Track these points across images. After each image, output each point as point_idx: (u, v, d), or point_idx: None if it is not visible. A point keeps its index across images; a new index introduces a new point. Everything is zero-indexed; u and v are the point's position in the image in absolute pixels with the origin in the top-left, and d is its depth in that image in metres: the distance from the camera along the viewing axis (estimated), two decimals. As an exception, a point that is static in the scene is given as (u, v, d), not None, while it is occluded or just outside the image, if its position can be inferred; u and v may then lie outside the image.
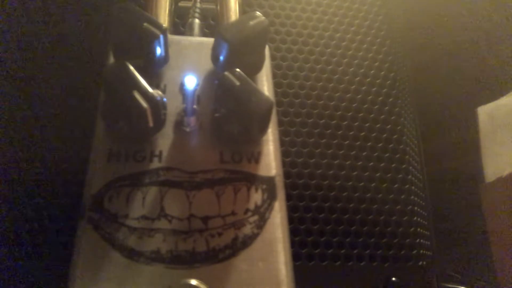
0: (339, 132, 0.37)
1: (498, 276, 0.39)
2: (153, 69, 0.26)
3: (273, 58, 0.38)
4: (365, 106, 0.39)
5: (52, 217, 0.30)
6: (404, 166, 0.38)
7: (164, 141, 0.24)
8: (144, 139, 0.24)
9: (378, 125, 0.38)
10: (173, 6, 0.31)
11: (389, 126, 0.39)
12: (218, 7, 0.31)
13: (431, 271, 0.37)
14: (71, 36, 0.35)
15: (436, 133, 0.50)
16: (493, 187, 0.41)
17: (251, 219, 0.23)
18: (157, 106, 0.22)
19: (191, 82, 0.23)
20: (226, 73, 0.23)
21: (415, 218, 0.37)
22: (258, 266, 0.22)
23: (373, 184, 0.36)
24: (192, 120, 0.25)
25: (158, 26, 0.24)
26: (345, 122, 0.38)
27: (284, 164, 0.32)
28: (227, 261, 0.22)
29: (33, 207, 0.30)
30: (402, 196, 0.37)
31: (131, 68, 0.22)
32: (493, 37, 0.48)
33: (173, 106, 0.25)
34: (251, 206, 0.24)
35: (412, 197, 0.37)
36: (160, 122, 0.23)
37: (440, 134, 0.50)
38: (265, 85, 0.28)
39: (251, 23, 0.25)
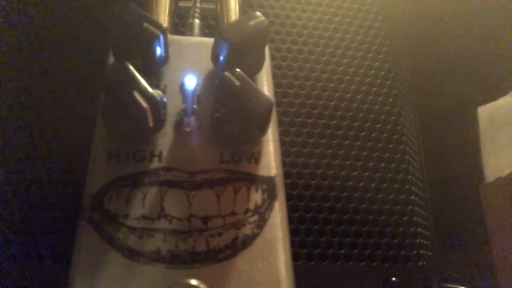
0: (339, 132, 0.37)
1: (498, 276, 0.39)
2: (153, 69, 0.26)
3: (273, 58, 0.38)
4: (365, 106, 0.39)
5: (52, 217, 0.30)
6: (404, 166, 0.38)
7: (164, 141, 0.24)
8: (144, 139, 0.24)
9: (378, 125, 0.38)
10: (173, 6, 0.31)
11: (389, 126, 0.39)
12: (218, 7, 0.31)
13: (431, 271, 0.37)
14: (71, 36, 0.35)
15: (436, 133, 0.50)
16: (493, 187, 0.41)
17: (251, 219, 0.23)
18: (157, 106, 0.22)
19: (191, 82, 0.23)
20: (226, 73, 0.23)
21: (415, 218, 0.37)
22: (258, 266, 0.22)
23: (373, 184, 0.36)
24: (192, 120, 0.25)
25: (158, 26, 0.24)
26: (345, 122, 0.38)
27: (284, 164, 0.32)
28: (227, 261, 0.22)
29: (33, 206, 0.30)
30: (402, 196, 0.37)
31: (131, 68, 0.22)
32: (493, 37, 0.48)
33: (173, 106, 0.25)
34: (251, 206, 0.24)
35: (412, 197, 0.37)
36: (160, 122, 0.23)
37: (440, 134, 0.50)
38: (265, 85, 0.28)
39: (251, 23, 0.25)
